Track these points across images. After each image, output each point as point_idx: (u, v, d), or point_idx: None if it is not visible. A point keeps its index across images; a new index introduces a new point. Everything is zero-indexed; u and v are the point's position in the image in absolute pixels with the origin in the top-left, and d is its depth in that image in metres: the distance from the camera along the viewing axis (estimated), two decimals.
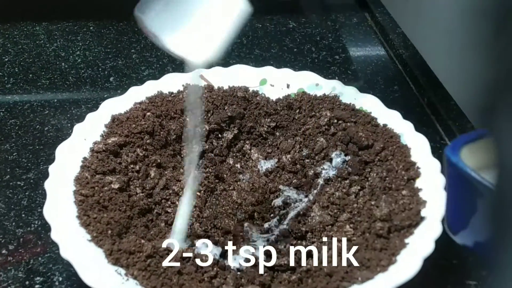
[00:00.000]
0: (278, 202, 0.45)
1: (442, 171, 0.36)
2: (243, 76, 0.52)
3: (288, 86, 0.52)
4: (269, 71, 0.52)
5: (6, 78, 0.62)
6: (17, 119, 0.55)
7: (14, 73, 0.63)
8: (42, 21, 0.72)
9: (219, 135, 0.49)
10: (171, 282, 0.35)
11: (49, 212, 0.37)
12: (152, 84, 0.50)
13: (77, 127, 0.45)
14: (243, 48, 0.68)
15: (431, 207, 0.38)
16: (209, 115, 0.49)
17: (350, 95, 0.50)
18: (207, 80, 0.51)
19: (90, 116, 0.46)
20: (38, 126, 0.54)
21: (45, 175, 0.40)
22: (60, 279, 0.40)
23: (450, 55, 0.65)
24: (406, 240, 0.37)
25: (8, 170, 0.49)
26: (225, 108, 0.49)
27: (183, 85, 0.51)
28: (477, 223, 0.30)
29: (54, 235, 0.36)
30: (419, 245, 0.36)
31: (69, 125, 0.54)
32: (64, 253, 0.35)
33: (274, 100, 0.51)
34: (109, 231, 0.38)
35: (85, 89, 0.60)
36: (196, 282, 0.36)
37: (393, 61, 0.67)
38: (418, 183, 0.41)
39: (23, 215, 0.45)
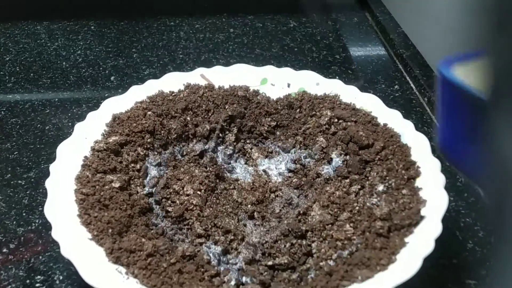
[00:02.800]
0: (278, 201, 0.45)
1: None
2: (243, 75, 0.52)
3: (288, 85, 0.52)
4: (269, 71, 0.52)
5: (7, 77, 0.62)
6: (18, 118, 0.55)
7: (15, 72, 0.63)
8: (43, 20, 0.73)
9: (220, 135, 0.49)
10: (172, 281, 0.35)
11: (49, 211, 0.37)
12: (153, 83, 0.50)
13: (78, 126, 0.45)
14: (244, 48, 0.68)
15: (431, 206, 0.39)
16: (210, 114, 0.49)
17: (350, 94, 0.50)
18: (208, 79, 0.52)
19: (91, 115, 0.46)
20: (39, 125, 0.54)
21: (46, 174, 0.40)
22: (61, 277, 0.40)
23: (451, 54, 0.65)
24: (406, 239, 0.37)
25: (9, 169, 0.49)
26: (226, 107, 0.49)
27: (183, 84, 0.51)
28: (470, 140, 0.28)
29: (55, 234, 0.36)
30: (419, 244, 0.36)
31: (70, 124, 0.54)
32: (65, 252, 0.35)
33: (274, 99, 0.51)
34: (110, 230, 0.38)
35: (86, 88, 0.60)
36: (197, 281, 0.36)
37: (393, 60, 0.67)
38: (418, 182, 0.41)
39: (23, 214, 0.45)
